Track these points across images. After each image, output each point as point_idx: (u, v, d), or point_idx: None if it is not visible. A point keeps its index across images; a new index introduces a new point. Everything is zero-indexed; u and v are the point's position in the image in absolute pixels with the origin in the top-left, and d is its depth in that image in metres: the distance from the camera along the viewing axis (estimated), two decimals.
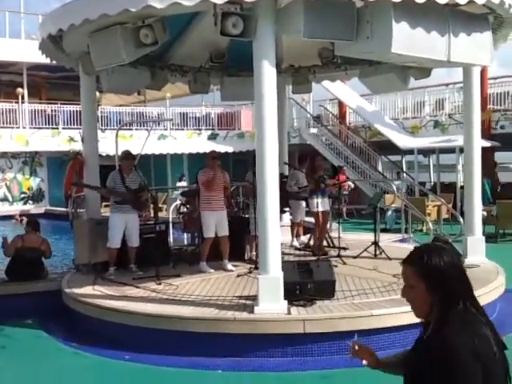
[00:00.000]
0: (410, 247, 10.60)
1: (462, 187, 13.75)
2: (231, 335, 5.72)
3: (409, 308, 5.26)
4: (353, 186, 15.58)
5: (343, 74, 10.19)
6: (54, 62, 8.79)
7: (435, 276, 1.86)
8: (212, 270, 7.90)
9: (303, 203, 9.60)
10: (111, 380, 5.45)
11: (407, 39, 5.41)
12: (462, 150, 12.35)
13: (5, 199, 21.63)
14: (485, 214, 10.39)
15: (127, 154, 8.36)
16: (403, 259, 1.99)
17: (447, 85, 19.35)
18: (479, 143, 8.21)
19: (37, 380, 5.47)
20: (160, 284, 7.20)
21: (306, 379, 5.35)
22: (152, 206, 8.72)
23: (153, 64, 9.00)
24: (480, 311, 1.89)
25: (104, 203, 10.13)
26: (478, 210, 8.15)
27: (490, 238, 10.17)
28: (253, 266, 7.68)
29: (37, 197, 22.14)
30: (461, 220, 9.62)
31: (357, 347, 2.22)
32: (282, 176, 7.84)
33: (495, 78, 18.46)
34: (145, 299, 6.60)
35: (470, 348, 1.75)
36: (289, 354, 5.66)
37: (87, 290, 7.13)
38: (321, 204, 9.04)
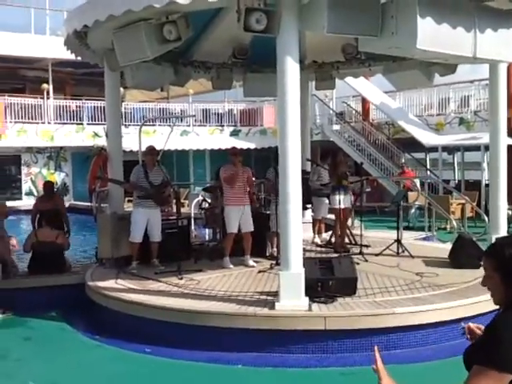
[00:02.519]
0: (433, 245, 10.51)
1: (486, 185, 13.57)
2: (252, 331, 5.73)
3: (431, 306, 5.29)
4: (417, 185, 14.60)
5: (367, 70, 10.10)
6: (79, 58, 8.88)
7: (508, 267, 1.96)
8: (233, 266, 7.92)
9: (325, 200, 9.56)
10: (132, 373, 5.50)
11: (432, 35, 5.34)
12: (487, 148, 12.20)
13: (30, 193, 21.99)
14: (510, 212, 10.24)
15: (151, 150, 8.44)
16: (485, 249, 2.10)
17: (472, 81, 19.04)
18: (505, 141, 8.09)
19: (59, 371, 5.54)
20: (182, 279, 7.25)
21: (325, 376, 5.33)
22: (174, 201, 8.76)
23: (176, 60, 9.03)
24: None
25: (127, 198, 10.23)
26: (503, 208, 8.03)
27: None
28: (274, 262, 7.70)
29: (61, 191, 22.43)
30: (485, 218, 9.49)
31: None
32: (304, 172, 7.82)
33: None
34: (166, 293, 6.65)
35: None
36: (309, 351, 5.65)
37: (110, 283, 7.21)
38: (343, 201, 8.99)
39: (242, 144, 21.42)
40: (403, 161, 18.31)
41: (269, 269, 7.65)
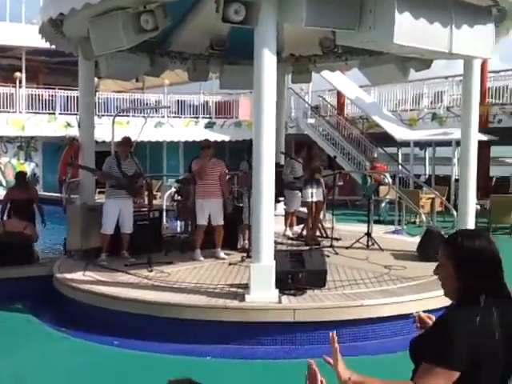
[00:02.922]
0: (402, 239, 10.63)
1: (456, 180, 13.75)
2: (222, 323, 5.73)
3: (399, 299, 5.31)
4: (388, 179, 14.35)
5: (343, 64, 10.13)
6: (54, 46, 8.74)
7: (463, 258, 1.93)
8: (203, 259, 7.88)
9: (298, 193, 9.58)
10: (99, 365, 5.43)
11: (409, 30, 5.36)
12: (458, 144, 12.34)
13: None
14: (478, 207, 10.40)
15: (126, 140, 8.36)
16: (445, 239, 2.10)
17: (447, 77, 19.27)
18: (476, 137, 8.18)
19: (23, 363, 5.45)
20: (152, 271, 7.19)
21: (294, 367, 5.32)
22: (146, 193, 8.68)
23: (152, 50, 8.93)
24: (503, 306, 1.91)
25: (98, 189, 10.09)
26: (471, 203, 8.14)
27: None
28: (245, 255, 7.68)
29: (31, 182, 22.07)
30: (454, 213, 9.62)
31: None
32: (277, 165, 7.81)
33: (495, 72, 18.40)
34: (136, 286, 6.59)
35: (466, 330, 1.82)
36: (278, 343, 5.66)
37: (78, 275, 7.11)
38: (315, 194, 9.02)
39: (216, 136, 21.30)
40: (375, 155, 18.44)
41: (240, 261, 7.64)
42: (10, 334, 6.40)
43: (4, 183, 21.27)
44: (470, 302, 1.89)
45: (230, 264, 7.60)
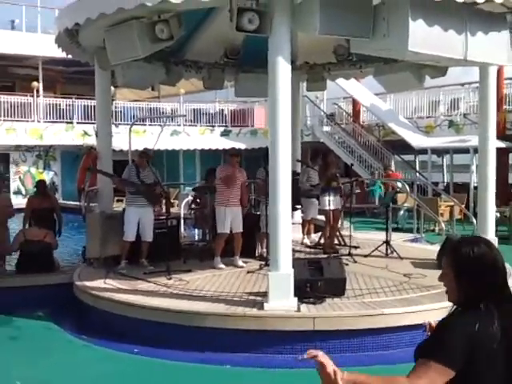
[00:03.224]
0: (421, 247, 10.56)
1: (475, 188, 13.64)
2: (241, 331, 5.73)
3: (419, 308, 5.29)
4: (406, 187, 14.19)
5: (358, 71, 10.13)
6: (70, 56, 8.84)
7: (462, 265, 1.94)
8: (224, 267, 7.90)
9: (315, 201, 9.56)
10: (119, 373, 5.47)
11: (424, 37, 5.36)
12: (476, 151, 12.26)
13: (18, 192, 21.80)
14: (498, 215, 10.32)
15: (142, 153, 8.44)
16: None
17: (463, 84, 19.16)
18: (494, 144, 8.13)
19: (46, 371, 5.50)
20: (171, 279, 7.22)
21: (314, 376, 5.33)
22: (164, 201, 8.73)
23: (168, 59, 9.01)
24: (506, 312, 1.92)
25: (116, 198, 10.19)
26: (491, 210, 8.08)
27: (502, 240, 10.06)
28: (263, 263, 7.69)
29: (50, 190, 22.30)
30: (474, 220, 9.55)
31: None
32: (294, 173, 7.83)
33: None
34: (155, 294, 6.63)
35: (465, 332, 1.83)
36: (298, 351, 5.64)
37: (98, 283, 7.17)
38: (332, 202, 9.00)
39: (232, 144, 21.38)
40: (392, 163, 18.37)
41: (258, 269, 7.65)
42: (32, 342, 6.47)
43: (24, 192, 21.52)
44: (472, 308, 1.90)
45: (248, 272, 7.61)
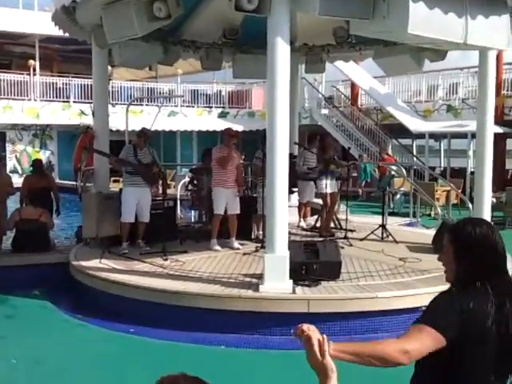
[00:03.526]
0: (417, 231, 10.56)
1: (472, 173, 13.64)
2: (236, 312, 5.76)
3: (413, 291, 5.33)
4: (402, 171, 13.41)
5: (357, 54, 10.06)
6: (67, 34, 8.75)
7: (463, 243, 1.97)
8: (220, 248, 7.91)
9: (311, 184, 9.56)
10: (115, 352, 5.50)
11: (424, 20, 5.31)
12: (473, 136, 12.24)
13: (14, 171, 21.72)
14: (494, 200, 10.33)
15: (141, 133, 8.37)
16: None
17: (462, 69, 19.07)
18: (492, 129, 8.11)
19: (41, 350, 5.52)
20: (167, 260, 7.24)
21: None
22: (161, 181, 8.72)
23: (165, 39, 8.92)
24: (501, 291, 1.93)
25: (113, 178, 10.15)
26: (487, 196, 8.08)
27: (498, 225, 10.09)
28: (259, 245, 7.70)
29: (46, 170, 22.24)
30: (470, 205, 9.57)
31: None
32: (291, 156, 7.81)
33: (511, 64, 18.18)
34: (151, 274, 6.65)
35: (459, 308, 1.86)
36: (292, 333, 5.67)
37: (94, 263, 7.18)
38: (329, 185, 9.00)
39: (229, 126, 21.23)
40: (389, 147, 18.35)
41: (254, 251, 7.67)
42: (28, 321, 6.50)
43: (20, 171, 21.46)
44: (468, 287, 1.92)
45: (244, 254, 7.64)
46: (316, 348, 1.64)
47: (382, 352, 1.80)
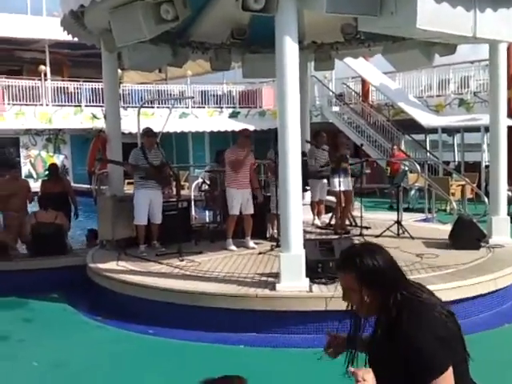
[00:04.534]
0: (432, 227, 10.47)
1: (486, 167, 13.55)
2: (253, 312, 5.78)
3: (431, 288, 5.26)
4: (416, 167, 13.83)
5: (366, 50, 10.01)
6: (76, 38, 8.82)
7: (372, 277, 1.97)
8: (235, 248, 7.94)
9: (323, 182, 9.54)
10: (134, 353, 5.54)
11: (432, 14, 5.28)
12: (486, 129, 12.16)
13: (29, 176, 21.94)
14: (510, 194, 10.25)
15: (147, 132, 8.39)
16: (337, 265, 2.10)
17: (472, 62, 18.93)
18: (505, 122, 8.06)
19: (62, 352, 5.58)
20: (182, 260, 7.28)
21: (326, 356, 5.37)
22: (174, 183, 8.76)
23: (174, 41, 8.95)
24: (419, 287, 2.01)
25: (127, 180, 10.22)
26: (503, 189, 8.03)
27: None
28: (274, 244, 7.72)
29: (61, 174, 22.42)
30: (485, 200, 9.51)
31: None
32: (303, 154, 7.80)
33: None
34: (168, 275, 6.69)
35: (434, 337, 1.84)
36: (310, 331, 5.69)
37: (111, 265, 7.25)
38: (343, 183, 8.98)
39: (241, 126, 21.22)
40: (402, 142, 18.26)
41: (269, 250, 7.68)
42: (47, 323, 6.58)
43: (35, 176, 21.65)
44: (402, 311, 1.91)
45: (259, 253, 7.65)
46: None
47: None
